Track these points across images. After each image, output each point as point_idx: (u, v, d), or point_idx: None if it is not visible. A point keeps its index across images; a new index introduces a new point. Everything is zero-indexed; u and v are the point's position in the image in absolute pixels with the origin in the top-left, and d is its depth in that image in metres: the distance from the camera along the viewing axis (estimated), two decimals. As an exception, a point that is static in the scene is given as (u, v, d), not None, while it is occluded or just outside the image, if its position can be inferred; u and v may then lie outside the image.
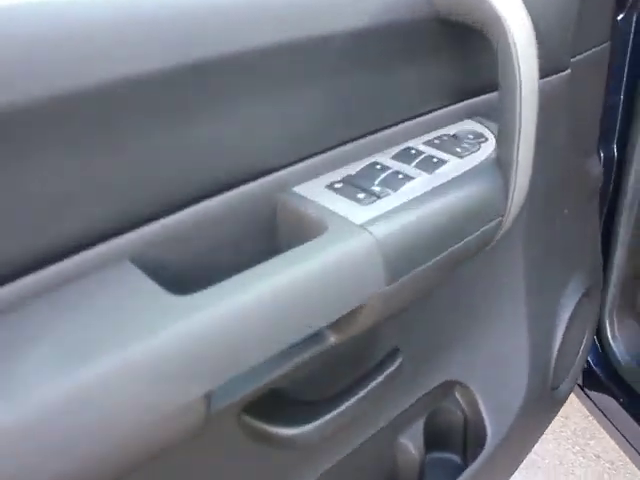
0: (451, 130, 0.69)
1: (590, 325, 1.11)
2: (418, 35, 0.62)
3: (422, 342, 0.78)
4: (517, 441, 0.94)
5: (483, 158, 0.63)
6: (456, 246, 0.57)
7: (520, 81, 0.57)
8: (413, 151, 0.63)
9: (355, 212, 0.53)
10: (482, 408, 0.87)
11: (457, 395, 0.88)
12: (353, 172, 0.59)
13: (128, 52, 0.42)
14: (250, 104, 0.50)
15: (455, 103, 0.71)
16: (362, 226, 0.51)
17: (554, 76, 0.78)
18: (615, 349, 1.30)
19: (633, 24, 1.07)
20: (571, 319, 0.97)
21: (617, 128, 1.16)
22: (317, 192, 0.56)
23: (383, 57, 0.60)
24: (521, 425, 0.91)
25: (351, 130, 0.61)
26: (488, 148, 0.65)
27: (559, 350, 0.96)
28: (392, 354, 0.65)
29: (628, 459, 1.35)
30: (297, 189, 0.56)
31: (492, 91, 0.73)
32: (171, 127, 0.46)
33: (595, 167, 1.04)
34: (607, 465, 1.86)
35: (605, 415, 1.32)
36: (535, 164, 0.62)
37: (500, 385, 0.88)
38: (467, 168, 0.61)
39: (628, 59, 1.11)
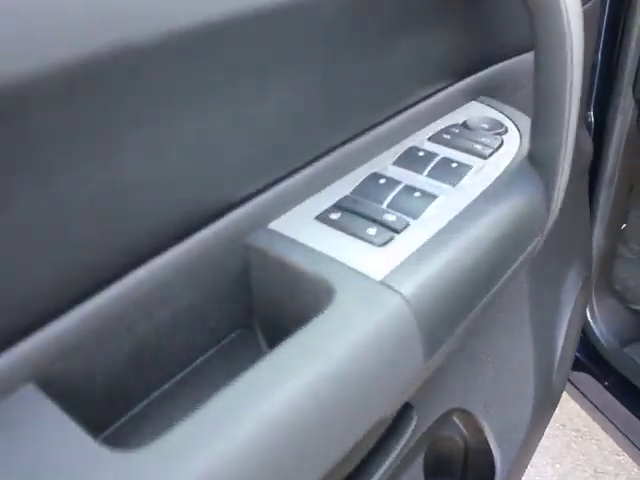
0: (458, 118, 0.53)
1: (583, 316, 1.00)
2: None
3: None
4: (526, 457, 0.83)
5: (512, 157, 0.48)
6: (499, 285, 0.42)
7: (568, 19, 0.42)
8: (421, 152, 0.47)
9: (369, 259, 0.37)
10: (488, 434, 0.75)
11: (457, 421, 0.75)
12: (349, 191, 0.43)
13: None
14: (193, 111, 0.33)
15: (456, 81, 0.55)
16: (385, 283, 0.35)
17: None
18: (595, 329, 1.21)
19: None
20: (571, 317, 0.86)
21: (594, 93, 1.04)
22: (305, 228, 0.39)
23: (371, 29, 0.43)
24: (529, 442, 0.80)
25: (338, 131, 0.44)
26: (512, 141, 0.50)
27: (561, 353, 0.85)
28: (406, 413, 0.51)
29: (596, 425, 1.30)
30: (275, 225, 0.39)
31: (497, 62, 0.58)
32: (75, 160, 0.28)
33: (586, 140, 0.91)
34: (573, 434, 1.82)
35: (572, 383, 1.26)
36: None
37: (505, 406, 0.76)
38: (497, 174, 0.46)
39: (606, 17, 0.99)
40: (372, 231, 0.38)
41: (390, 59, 0.46)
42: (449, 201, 0.42)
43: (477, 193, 0.43)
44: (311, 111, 0.40)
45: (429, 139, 0.50)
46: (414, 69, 0.50)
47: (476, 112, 0.54)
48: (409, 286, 0.34)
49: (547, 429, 1.84)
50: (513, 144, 0.50)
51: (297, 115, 0.39)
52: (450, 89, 0.54)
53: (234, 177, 0.36)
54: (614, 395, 1.19)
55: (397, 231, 0.39)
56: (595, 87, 1.04)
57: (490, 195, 0.43)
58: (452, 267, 0.37)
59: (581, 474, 1.68)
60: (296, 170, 0.40)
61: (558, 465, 1.71)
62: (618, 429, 1.21)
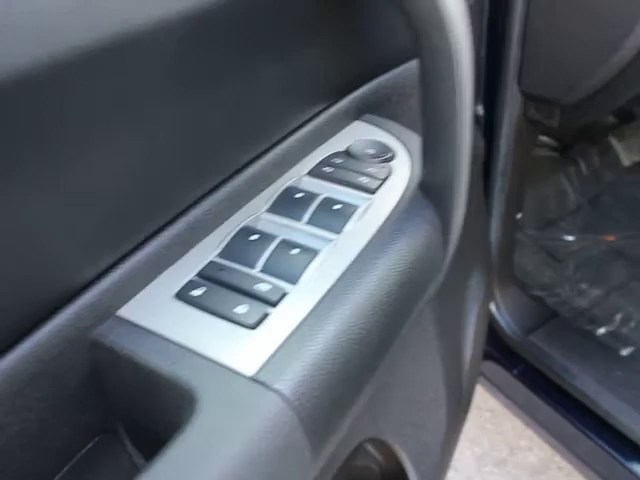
0: (341, 143, 0.48)
1: (488, 314, 0.99)
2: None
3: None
4: (443, 471, 0.81)
5: (402, 188, 0.43)
6: (396, 341, 0.37)
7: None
8: (299, 194, 0.41)
9: (239, 348, 0.31)
10: (402, 458, 0.71)
11: (371, 449, 0.72)
12: (215, 253, 0.37)
13: None
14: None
15: (335, 102, 0.50)
16: (258, 380, 0.29)
17: None
18: (500, 320, 1.21)
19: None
20: (477, 323, 0.84)
21: (482, 86, 1.02)
22: (162, 311, 0.33)
23: (230, 53, 0.37)
24: (445, 456, 0.77)
25: (200, 182, 0.37)
26: (401, 167, 0.45)
27: (470, 360, 0.82)
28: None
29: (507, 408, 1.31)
30: (125, 311, 0.33)
31: (380, 74, 0.53)
32: None
33: (478, 138, 0.89)
34: (488, 414, 1.84)
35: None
36: None
37: (418, 427, 0.73)
38: (387, 211, 0.41)
39: (488, 10, 0.96)
40: (242, 308, 0.32)
41: (257, 85, 0.40)
42: (333, 256, 0.37)
43: (365, 240, 0.38)
44: (161, 164, 0.33)
45: (308, 174, 0.44)
46: (287, 93, 0.44)
47: (361, 134, 0.49)
48: (287, 380, 0.29)
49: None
50: (402, 171, 0.45)
51: (143, 174, 0.32)
52: (330, 111, 0.49)
53: (69, 261, 0.29)
54: (523, 382, 1.20)
55: (272, 304, 0.33)
56: (482, 80, 1.02)
57: (380, 241, 0.38)
58: (338, 344, 0.31)
59: (498, 453, 1.70)
60: (147, 240, 0.33)
61: (476, 448, 1.73)
62: (527, 415, 1.23)
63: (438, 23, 0.37)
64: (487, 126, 1.04)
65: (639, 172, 1.50)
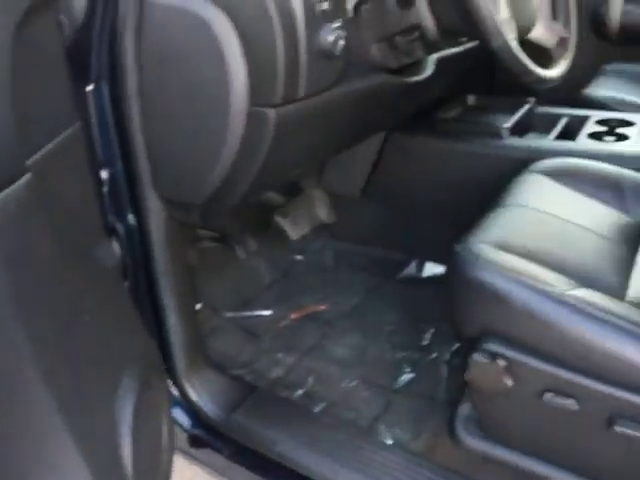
0: None
1: (165, 407, 1.03)
2: None
3: None
4: None
5: None
6: None
7: None
8: None
9: None
10: None
11: None
12: None
13: None
14: None
15: None
16: None
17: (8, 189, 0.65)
18: (202, 404, 1.26)
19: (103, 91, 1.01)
20: (135, 421, 0.87)
21: (129, 196, 1.09)
22: None
23: None
24: None
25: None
26: None
27: (134, 462, 0.85)
28: None
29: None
30: None
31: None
32: None
33: (108, 248, 0.95)
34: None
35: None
36: None
37: None
38: None
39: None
40: None
41: None
42: None
43: None
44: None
45: None
46: None
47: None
48: None
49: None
50: None
51: None
52: None
53: None
54: (236, 462, 1.25)
55: None
56: (126, 192, 1.09)
57: None
58: None
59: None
60: None
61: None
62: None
63: None
64: (141, 233, 1.11)
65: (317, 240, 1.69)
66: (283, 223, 1.58)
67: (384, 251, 1.71)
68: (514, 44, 1.02)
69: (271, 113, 0.94)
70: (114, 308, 0.91)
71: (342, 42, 0.97)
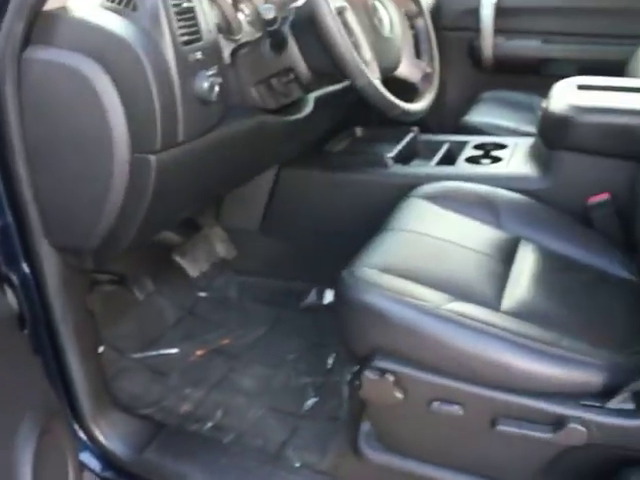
0: None
1: (71, 452, 1.04)
2: None
3: None
4: None
5: None
6: None
7: None
8: None
9: None
10: None
11: None
12: None
13: None
14: None
15: None
16: None
17: None
18: (111, 446, 1.27)
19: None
20: (36, 467, 0.88)
21: (21, 246, 1.11)
22: None
23: None
24: None
25: None
26: None
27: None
28: None
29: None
30: None
31: None
32: None
33: (2, 299, 0.97)
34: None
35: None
36: None
37: None
38: None
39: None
40: None
41: None
42: None
43: None
44: None
45: None
46: None
47: None
48: None
49: None
50: None
51: None
52: None
53: None
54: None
55: None
56: (19, 242, 1.10)
57: None
58: None
59: None
60: None
61: None
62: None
63: None
64: (36, 281, 1.12)
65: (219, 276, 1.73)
66: (182, 262, 1.61)
67: (285, 282, 1.77)
68: (377, 82, 1.11)
69: (152, 159, 0.99)
70: (9, 357, 0.93)
71: (217, 88, 1.04)
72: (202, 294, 1.73)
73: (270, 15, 1.08)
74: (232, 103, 1.13)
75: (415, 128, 1.79)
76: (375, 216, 1.38)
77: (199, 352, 1.55)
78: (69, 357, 1.19)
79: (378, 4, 1.20)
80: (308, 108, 1.36)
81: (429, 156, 1.71)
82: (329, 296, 1.72)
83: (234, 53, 1.19)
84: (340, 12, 1.08)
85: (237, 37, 1.21)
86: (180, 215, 1.32)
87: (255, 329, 1.63)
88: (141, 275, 1.55)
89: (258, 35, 1.23)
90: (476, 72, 2.41)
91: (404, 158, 1.68)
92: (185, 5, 1.02)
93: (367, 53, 1.12)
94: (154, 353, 1.54)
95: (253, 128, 1.22)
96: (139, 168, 0.99)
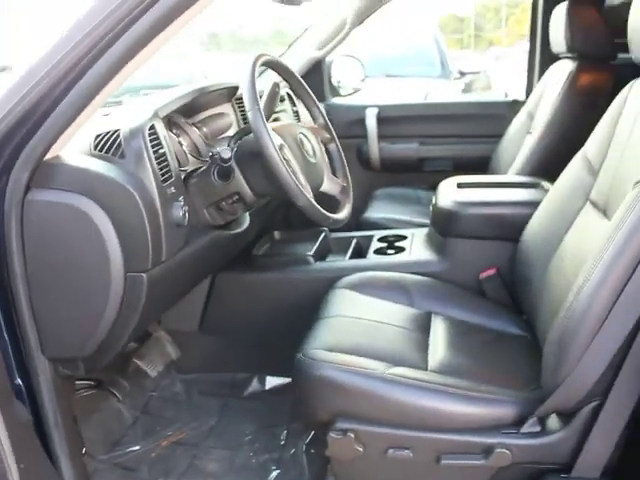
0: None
1: None
2: None
3: None
4: None
5: None
6: None
7: None
8: None
9: None
10: None
11: None
12: None
13: None
14: None
15: None
16: None
17: None
18: None
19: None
20: None
21: (16, 362, 1.25)
22: None
23: None
24: None
25: None
26: None
27: None
28: None
29: None
30: None
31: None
32: None
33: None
34: None
35: None
36: None
37: None
38: None
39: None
40: None
41: None
42: None
43: None
44: None
45: None
46: None
47: None
48: None
49: None
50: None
51: None
52: None
53: None
54: None
55: None
56: (14, 355, 1.24)
57: None
58: None
59: None
60: None
61: None
62: None
63: None
64: (29, 393, 1.26)
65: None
66: (141, 364, 1.79)
67: (229, 374, 1.97)
68: (312, 201, 1.39)
69: (144, 276, 1.21)
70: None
71: (187, 214, 1.28)
72: (153, 393, 1.89)
73: (227, 156, 1.35)
74: (192, 224, 1.37)
75: (325, 228, 2.07)
76: (303, 308, 1.63)
77: (162, 444, 1.70)
78: (61, 462, 1.31)
79: (303, 137, 1.50)
80: (246, 222, 1.62)
81: (341, 251, 2.00)
82: (270, 382, 1.93)
83: (185, 181, 1.43)
84: (280, 148, 1.36)
85: (185, 168, 1.46)
86: (154, 320, 1.51)
87: (207, 420, 1.81)
88: (116, 378, 1.70)
89: (200, 165, 1.49)
90: (366, 173, 2.80)
91: (321, 255, 1.96)
92: (160, 151, 1.27)
93: (301, 178, 1.41)
94: (120, 452, 1.67)
95: (209, 243, 1.46)
96: (132, 285, 1.21)
